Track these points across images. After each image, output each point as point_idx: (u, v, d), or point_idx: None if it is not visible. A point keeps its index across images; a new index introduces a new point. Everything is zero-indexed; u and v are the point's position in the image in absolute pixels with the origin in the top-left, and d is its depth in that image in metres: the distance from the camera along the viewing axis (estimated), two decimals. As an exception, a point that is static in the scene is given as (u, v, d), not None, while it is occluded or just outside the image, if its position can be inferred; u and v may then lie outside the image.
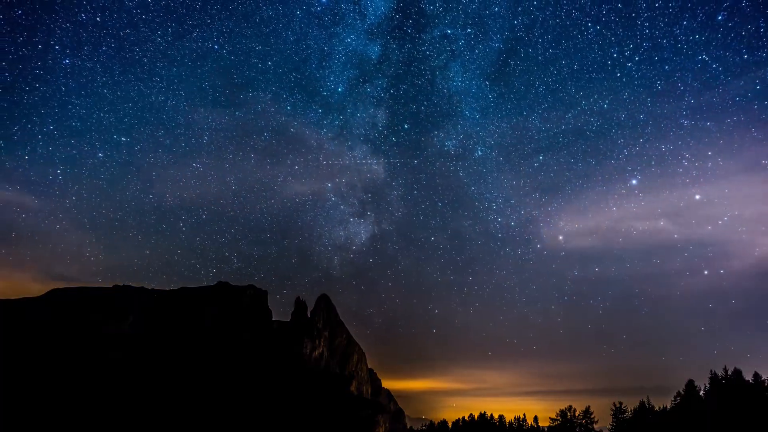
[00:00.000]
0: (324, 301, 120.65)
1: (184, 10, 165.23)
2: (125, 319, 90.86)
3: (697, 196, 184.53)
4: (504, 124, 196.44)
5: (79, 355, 79.02)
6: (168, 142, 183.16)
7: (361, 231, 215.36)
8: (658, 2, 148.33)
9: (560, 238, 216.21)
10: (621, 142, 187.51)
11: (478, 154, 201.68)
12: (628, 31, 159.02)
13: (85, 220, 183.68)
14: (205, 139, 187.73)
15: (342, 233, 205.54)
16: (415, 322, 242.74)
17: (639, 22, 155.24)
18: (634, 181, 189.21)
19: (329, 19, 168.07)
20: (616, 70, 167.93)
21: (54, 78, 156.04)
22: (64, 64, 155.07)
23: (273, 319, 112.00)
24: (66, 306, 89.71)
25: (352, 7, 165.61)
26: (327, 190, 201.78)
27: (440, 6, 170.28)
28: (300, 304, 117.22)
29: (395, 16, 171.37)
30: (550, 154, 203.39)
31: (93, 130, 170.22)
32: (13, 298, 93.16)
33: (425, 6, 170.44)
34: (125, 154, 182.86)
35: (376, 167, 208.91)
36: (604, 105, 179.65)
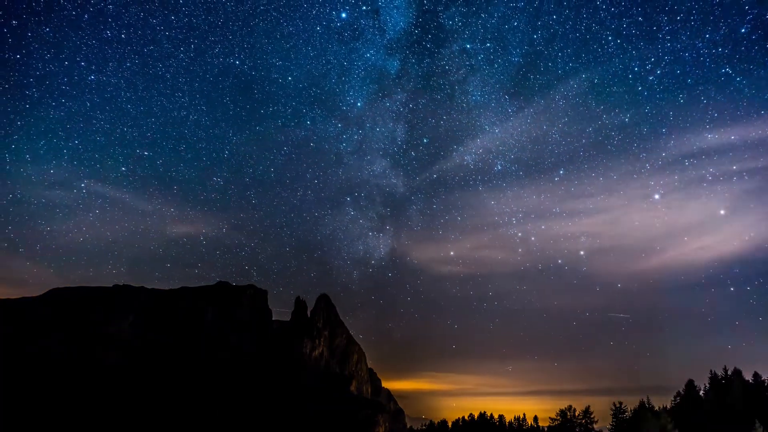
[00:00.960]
0: (324, 301, 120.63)
1: (206, 27, 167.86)
2: (125, 319, 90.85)
3: (722, 212, 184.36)
4: (524, 138, 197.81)
5: (79, 355, 79.05)
6: (189, 156, 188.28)
7: (380, 245, 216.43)
8: (679, 15, 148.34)
9: (581, 253, 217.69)
10: (643, 156, 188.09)
11: (497, 168, 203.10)
12: (650, 44, 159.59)
13: (108, 233, 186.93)
14: (226, 154, 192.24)
15: (361, 247, 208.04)
16: (433, 336, 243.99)
17: (660, 36, 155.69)
18: (656, 196, 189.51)
19: (349, 34, 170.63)
20: (638, 84, 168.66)
21: (79, 93, 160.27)
22: (89, 80, 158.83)
23: (273, 319, 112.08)
24: (66, 306, 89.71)
25: (371, 23, 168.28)
26: (346, 204, 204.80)
27: (459, 21, 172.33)
28: (300, 304, 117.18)
29: (414, 31, 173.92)
30: (571, 168, 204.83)
31: (116, 144, 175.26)
32: (13, 297, 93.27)
33: (444, 21, 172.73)
34: (147, 167, 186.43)
35: (395, 181, 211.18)
36: (625, 119, 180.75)
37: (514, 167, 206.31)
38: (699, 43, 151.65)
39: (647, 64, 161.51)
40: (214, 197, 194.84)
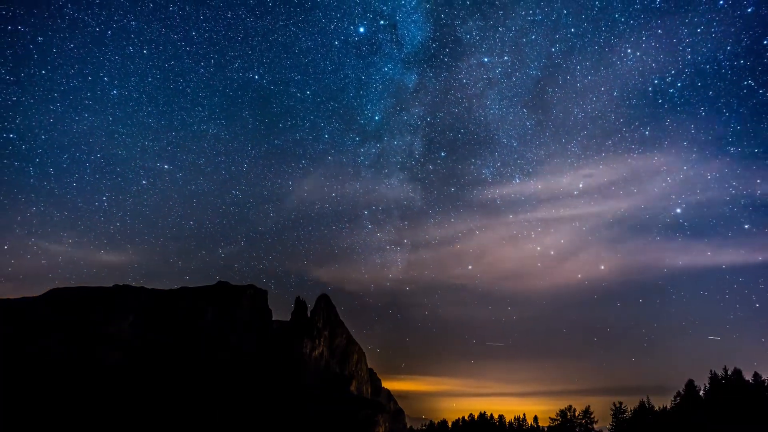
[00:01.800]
0: (324, 301, 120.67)
1: (226, 42, 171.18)
2: (125, 319, 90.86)
3: (746, 225, 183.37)
4: (542, 152, 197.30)
5: (79, 355, 79.05)
6: (209, 169, 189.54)
7: (397, 259, 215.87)
8: (699, 28, 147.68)
9: (602, 267, 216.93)
10: (664, 169, 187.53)
11: (516, 181, 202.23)
12: (670, 57, 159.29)
13: (128, 246, 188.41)
14: (245, 167, 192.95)
15: (378, 260, 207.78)
16: (452, 348, 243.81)
17: (680, 48, 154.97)
18: (678, 210, 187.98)
19: (366, 48, 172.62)
20: (658, 97, 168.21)
21: (102, 108, 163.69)
22: (111, 95, 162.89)
23: (273, 318, 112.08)
24: (66, 306, 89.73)
25: (389, 37, 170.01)
26: (363, 217, 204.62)
27: (477, 34, 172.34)
28: (300, 304, 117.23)
29: (432, 45, 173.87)
30: (590, 182, 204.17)
31: (137, 158, 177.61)
32: (13, 297, 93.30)
33: (462, 35, 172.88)
34: (168, 181, 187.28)
35: (412, 195, 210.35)
36: (645, 132, 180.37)
37: (533, 180, 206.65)
38: (720, 55, 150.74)
39: (667, 77, 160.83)
40: (233, 210, 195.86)
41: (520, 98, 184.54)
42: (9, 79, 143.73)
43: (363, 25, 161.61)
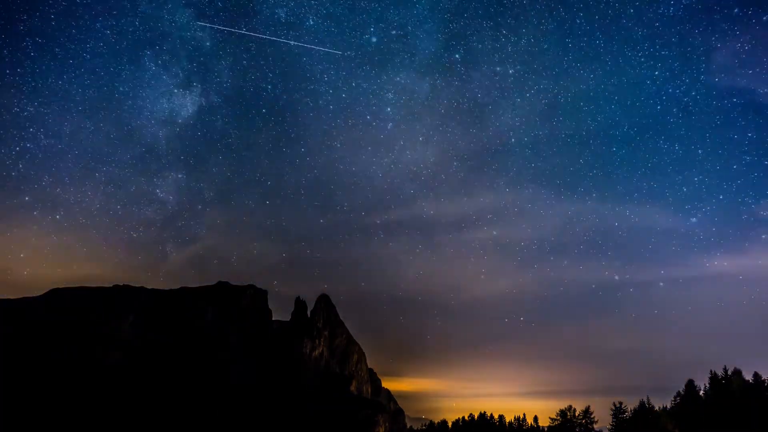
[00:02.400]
0: (324, 301, 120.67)
1: None
2: (125, 319, 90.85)
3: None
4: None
5: (79, 355, 79.05)
6: None
7: (186, 103, 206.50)
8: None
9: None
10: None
11: (309, 23, 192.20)
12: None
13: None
14: None
15: (166, 105, 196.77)
16: (247, 193, 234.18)
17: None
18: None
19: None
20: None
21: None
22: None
23: (273, 319, 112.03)
24: (66, 306, 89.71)
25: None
26: (146, 57, 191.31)
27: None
28: (300, 304, 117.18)
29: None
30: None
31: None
32: (13, 297, 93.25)
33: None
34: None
35: (200, 34, 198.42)
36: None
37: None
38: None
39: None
40: None
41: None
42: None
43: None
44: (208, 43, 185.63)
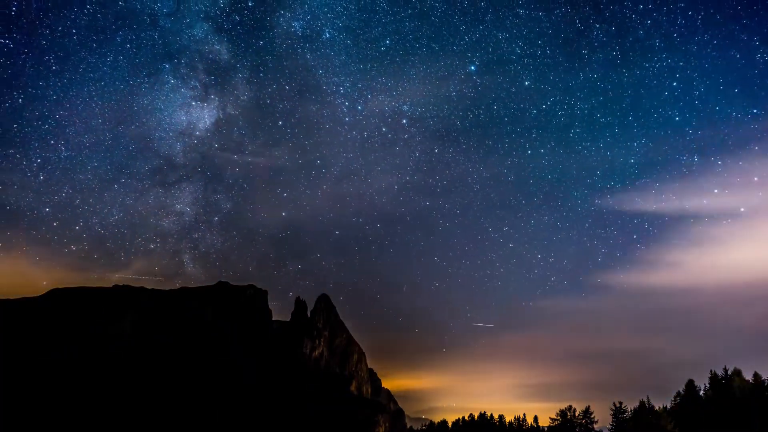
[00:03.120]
0: (324, 301, 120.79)
1: None
2: (125, 319, 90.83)
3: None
4: (352, 6, 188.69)
5: (79, 355, 79.06)
6: None
7: (204, 115, 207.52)
8: None
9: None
10: (463, 28, 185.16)
11: (326, 36, 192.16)
12: None
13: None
14: (13, 11, 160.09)
15: (183, 118, 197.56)
16: (263, 207, 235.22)
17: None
18: (473, 67, 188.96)
19: None
20: None
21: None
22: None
23: (273, 319, 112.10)
24: (66, 306, 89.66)
25: None
26: (164, 71, 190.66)
27: None
28: (300, 304, 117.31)
29: None
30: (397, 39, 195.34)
31: None
32: (13, 298, 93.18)
33: None
34: None
35: (218, 47, 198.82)
36: None
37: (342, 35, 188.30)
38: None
39: None
40: (3, 62, 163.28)
41: None
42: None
43: None
44: (225, 56, 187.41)
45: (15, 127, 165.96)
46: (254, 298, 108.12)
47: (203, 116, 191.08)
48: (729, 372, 56.87)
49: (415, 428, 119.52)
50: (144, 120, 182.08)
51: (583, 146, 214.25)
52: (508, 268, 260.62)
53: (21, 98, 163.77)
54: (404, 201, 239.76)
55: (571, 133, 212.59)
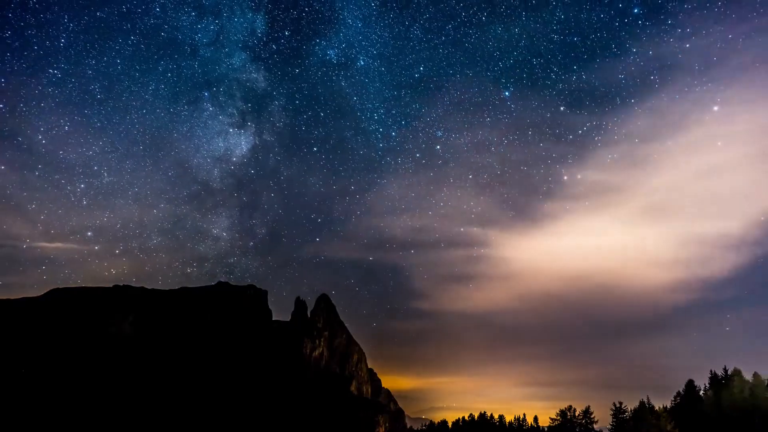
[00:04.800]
0: (324, 301, 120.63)
1: None
2: (125, 319, 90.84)
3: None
4: (386, 34, 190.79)
5: (80, 355, 79.05)
6: (18, 44, 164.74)
7: (241, 142, 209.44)
8: None
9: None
10: (497, 54, 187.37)
11: (360, 63, 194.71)
12: None
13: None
14: (62, 43, 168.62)
15: (221, 144, 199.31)
16: (298, 233, 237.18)
17: None
18: (507, 93, 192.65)
19: None
20: None
21: None
22: None
23: (273, 319, 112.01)
24: (66, 306, 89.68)
25: None
26: (204, 99, 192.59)
27: None
28: (300, 304, 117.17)
29: None
30: (430, 65, 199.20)
31: None
32: (13, 298, 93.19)
33: None
34: None
35: (255, 76, 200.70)
36: (482, 17, 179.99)
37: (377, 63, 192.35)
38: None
39: None
40: (51, 91, 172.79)
41: None
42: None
43: None
44: (262, 84, 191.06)
45: (61, 154, 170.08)
46: (254, 298, 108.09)
47: (240, 143, 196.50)
48: (729, 372, 56.84)
49: (415, 428, 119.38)
50: (183, 146, 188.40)
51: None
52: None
53: (67, 126, 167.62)
54: (438, 227, 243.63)
55: (609, 158, 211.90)
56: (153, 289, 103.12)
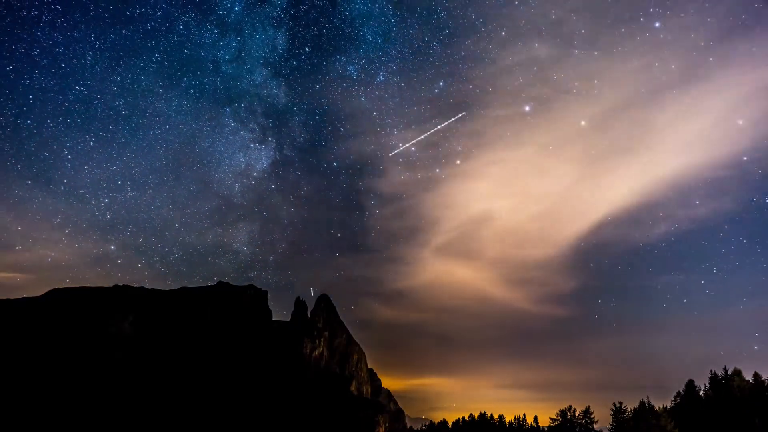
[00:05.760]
0: (324, 301, 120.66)
1: None
2: (125, 319, 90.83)
3: None
4: (405, 49, 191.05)
5: (80, 355, 79.05)
6: (46, 62, 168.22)
7: (262, 157, 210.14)
8: None
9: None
10: (516, 69, 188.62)
11: (380, 79, 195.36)
12: None
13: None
14: (88, 60, 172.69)
15: (242, 159, 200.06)
16: (316, 245, 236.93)
17: None
18: (527, 107, 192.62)
19: None
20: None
21: None
22: None
23: (273, 319, 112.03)
24: (66, 306, 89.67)
25: None
26: (225, 114, 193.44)
27: None
28: (300, 304, 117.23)
29: None
30: (450, 80, 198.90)
31: None
32: (13, 298, 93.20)
33: None
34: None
35: (276, 91, 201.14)
36: (502, 33, 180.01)
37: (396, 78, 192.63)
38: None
39: None
40: (78, 107, 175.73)
41: None
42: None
43: None
44: (283, 100, 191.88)
45: (86, 169, 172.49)
46: (254, 298, 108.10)
47: (261, 158, 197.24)
48: (729, 372, 56.78)
49: (415, 428, 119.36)
50: (205, 161, 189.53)
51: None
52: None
53: (92, 141, 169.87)
54: (460, 236, 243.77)
55: None
56: (153, 289, 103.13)
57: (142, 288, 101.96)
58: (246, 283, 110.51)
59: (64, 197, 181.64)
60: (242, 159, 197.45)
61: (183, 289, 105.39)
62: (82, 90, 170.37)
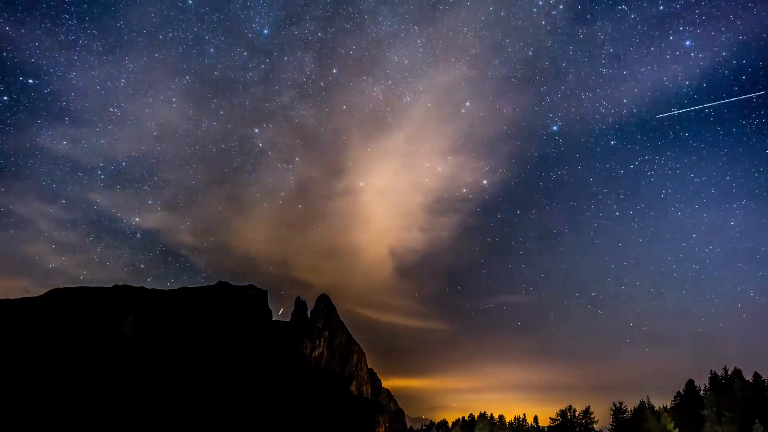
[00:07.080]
0: (324, 301, 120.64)
1: None
2: (125, 319, 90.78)
3: None
4: (432, 70, 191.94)
5: (80, 356, 79.02)
6: (82, 84, 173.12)
7: (290, 177, 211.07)
8: None
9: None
10: (544, 89, 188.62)
11: (406, 100, 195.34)
12: None
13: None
14: (122, 83, 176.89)
15: (270, 179, 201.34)
16: (345, 262, 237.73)
17: None
18: (555, 128, 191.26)
19: None
20: (541, 19, 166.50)
21: None
22: None
23: (273, 319, 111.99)
24: (66, 306, 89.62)
25: None
26: (254, 135, 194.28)
27: None
28: (300, 304, 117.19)
29: None
30: (478, 101, 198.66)
31: None
32: (13, 298, 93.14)
33: None
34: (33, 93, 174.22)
35: (304, 113, 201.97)
36: (529, 52, 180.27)
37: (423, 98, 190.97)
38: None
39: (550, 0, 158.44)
40: (111, 129, 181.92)
41: (411, 15, 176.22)
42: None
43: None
44: (311, 121, 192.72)
45: (118, 188, 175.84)
46: (254, 298, 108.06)
47: (288, 178, 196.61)
48: (729, 372, 56.85)
49: (415, 428, 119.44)
50: (234, 181, 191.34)
51: (676, 207, 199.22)
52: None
53: (125, 162, 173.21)
54: (484, 263, 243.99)
55: (663, 194, 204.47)
56: (153, 289, 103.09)
57: (142, 288, 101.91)
58: (246, 283, 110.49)
59: (96, 216, 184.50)
60: (270, 179, 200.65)
61: (183, 289, 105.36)
62: (116, 112, 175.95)
